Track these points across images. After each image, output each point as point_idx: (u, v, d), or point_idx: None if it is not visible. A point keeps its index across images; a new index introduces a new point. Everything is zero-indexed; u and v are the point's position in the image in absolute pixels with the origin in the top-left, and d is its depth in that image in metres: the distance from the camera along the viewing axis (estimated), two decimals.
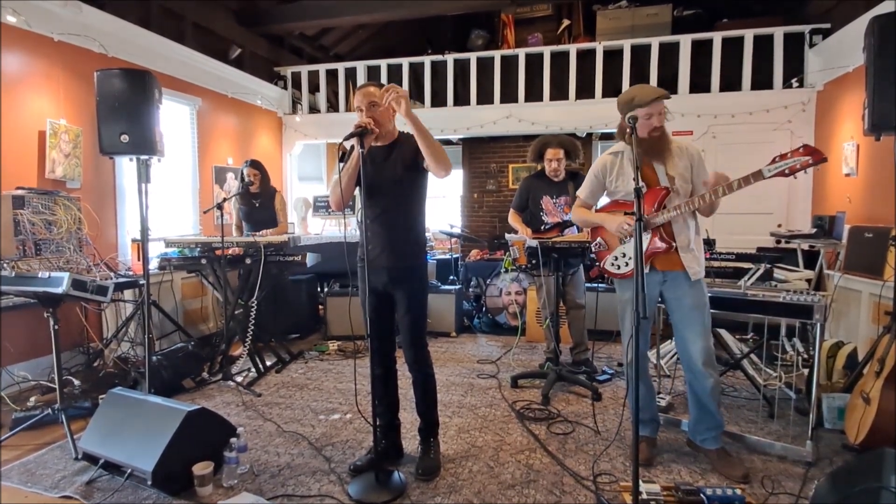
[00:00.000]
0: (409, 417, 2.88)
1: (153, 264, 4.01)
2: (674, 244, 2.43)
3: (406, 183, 2.41)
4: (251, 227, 4.53)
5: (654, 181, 2.49)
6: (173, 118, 5.32)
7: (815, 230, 4.45)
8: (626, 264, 2.56)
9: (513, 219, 4.07)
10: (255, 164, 4.54)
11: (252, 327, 3.91)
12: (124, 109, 3.09)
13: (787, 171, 2.20)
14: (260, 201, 4.56)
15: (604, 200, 2.77)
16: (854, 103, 4.53)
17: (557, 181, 3.92)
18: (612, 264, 2.62)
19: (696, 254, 2.47)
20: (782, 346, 3.87)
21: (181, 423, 2.35)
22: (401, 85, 6.65)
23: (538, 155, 3.95)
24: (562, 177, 3.92)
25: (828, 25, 5.28)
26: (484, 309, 5.48)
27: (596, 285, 5.00)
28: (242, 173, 4.52)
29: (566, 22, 7.47)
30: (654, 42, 5.91)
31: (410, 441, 2.74)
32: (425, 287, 2.57)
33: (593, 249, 2.75)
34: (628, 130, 2.43)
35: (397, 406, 2.68)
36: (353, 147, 2.38)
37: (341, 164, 2.42)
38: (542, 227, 3.91)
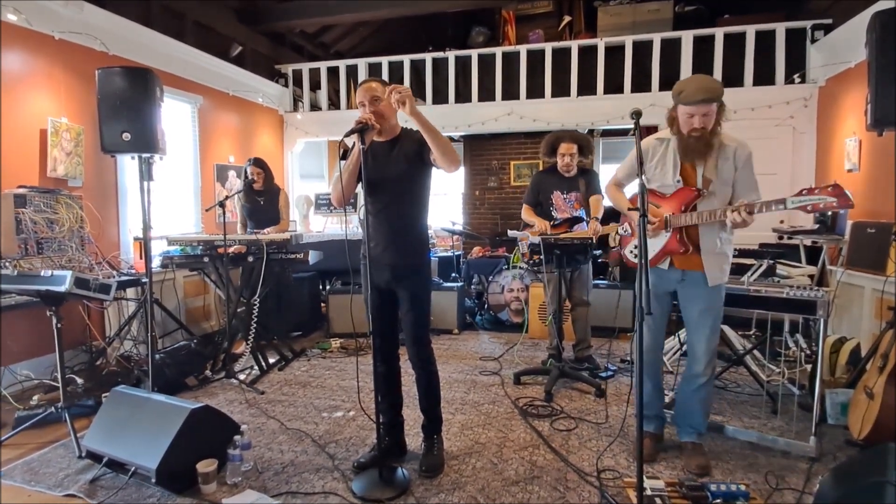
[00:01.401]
0: (412, 415, 2.88)
1: (155, 262, 4.01)
2: (690, 248, 2.39)
3: (409, 179, 2.40)
4: (255, 224, 4.53)
5: (692, 180, 2.41)
6: (174, 116, 5.32)
7: (817, 226, 4.44)
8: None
9: (527, 213, 3.97)
10: (258, 163, 4.54)
11: (254, 325, 3.92)
12: (126, 108, 3.09)
13: (808, 208, 2.12)
14: (264, 199, 4.56)
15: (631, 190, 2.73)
16: (856, 99, 4.52)
17: (568, 177, 3.88)
18: (631, 252, 2.64)
19: (721, 259, 2.39)
20: (785, 342, 3.87)
21: (185, 421, 2.36)
22: (402, 82, 6.68)
23: (551, 149, 3.91)
24: (573, 173, 3.89)
25: (829, 21, 5.27)
26: (486, 306, 5.48)
27: (605, 282, 5.02)
28: (246, 171, 4.52)
29: (567, 18, 7.45)
30: (656, 38, 5.89)
31: (414, 438, 2.73)
32: (428, 284, 2.56)
33: (619, 233, 2.74)
34: (669, 122, 2.41)
35: (401, 403, 2.68)
36: (354, 143, 2.37)
37: (342, 162, 2.42)
38: (552, 223, 3.89)
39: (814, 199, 2.10)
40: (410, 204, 2.44)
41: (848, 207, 2.08)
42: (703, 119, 2.30)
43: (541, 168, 4.14)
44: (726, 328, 3.84)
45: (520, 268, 5.26)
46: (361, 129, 2.24)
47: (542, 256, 3.45)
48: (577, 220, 3.83)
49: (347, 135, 2.27)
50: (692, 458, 2.49)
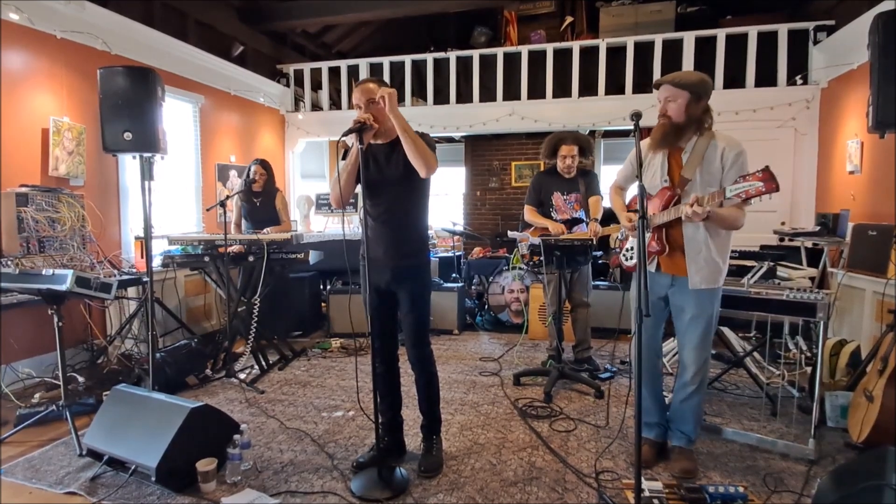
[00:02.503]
0: (411, 415, 2.88)
1: (156, 262, 4.01)
2: (666, 247, 2.38)
3: (408, 181, 2.39)
4: (252, 224, 4.53)
5: (677, 180, 2.40)
6: (176, 116, 5.33)
7: (818, 228, 4.44)
8: (631, 258, 2.57)
9: (531, 215, 3.95)
10: (263, 164, 4.52)
11: (255, 325, 3.92)
12: (127, 107, 3.09)
13: (743, 196, 2.10)
14: (261, 200, 4.56)
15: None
16: (858, 101, 4.51)
17: (569, 178, 3.88)
18: (624, 255, 2.64)
19: (706, 264, 2.32)
20: (785, 344, 3.87)
21: (185, 420, 2.37)
22: (403, 82, 6.69)
23: (552, 151, 3.91)
24: (573, 174, 3.89)
25: (832, 22, 5.26)
26: (486, 307, 5.48)
27: (606, 283, 5.01)
28: (250, 170, 4.51)
29: (569, 19, 7.46)
30: (658, 39, 5.89)
31: (413, 438, 2.74)
32: (428, 286, 2.56)
33: (618, 237, 2.75)
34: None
35: (400, 404, 2.69)
36: (353, 144, 2.37)
37: (342, 163, 2.42)
38: None
39: (745, 186, 2.09)
40: (410, 206, 2.44)
41: (773, 191, 2.05)
42: (665, 105, 2.31)
43: (542, 169, 4.12)
44: (726, 330, 3.84)
45: (519, 269, 5.26)
46: (359, 129, 2.24)
47: (541, 258, 3.44)
48: (577, 221, 3.83)
49: (345, 134, 2.26)
50: (677, 461, 2.48)
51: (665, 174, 2.41)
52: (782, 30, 5.51)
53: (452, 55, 6.60)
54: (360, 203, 2.54)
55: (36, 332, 3.75)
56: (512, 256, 5.64)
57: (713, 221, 2.25)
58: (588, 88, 6.18)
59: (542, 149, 4.02)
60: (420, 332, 2.50)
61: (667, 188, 2.39)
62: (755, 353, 3.73)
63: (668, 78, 2.31)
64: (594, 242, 3.53)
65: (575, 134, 3.99)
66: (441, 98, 6.71)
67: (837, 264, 4.29)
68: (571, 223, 3.82)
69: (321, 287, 5.72)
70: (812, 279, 3.74)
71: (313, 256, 4.15)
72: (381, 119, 2.33)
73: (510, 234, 4.05)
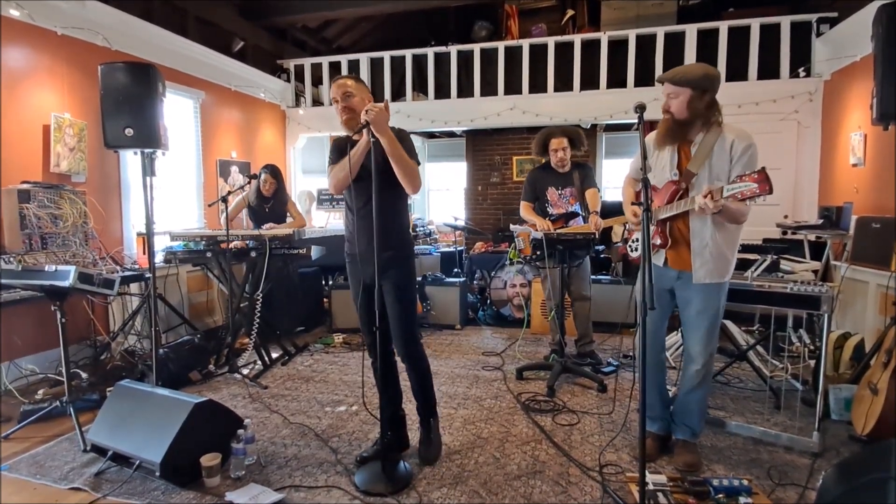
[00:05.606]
0: (413, 409, 2.88)
1: (158, 258, 4.01)
2: (668, 241, 2.37)
3: (388, 173, 2.33)
4: (256, 226, 4.52)
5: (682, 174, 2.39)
6: (177, 111, 5.32)
7: (821, 221, 4.42)
8: (637, 249, 2.57)
9: (526, 211, 3.95)
10: (274, 173, 4.49)
11: (257, 320, 3.93)
12: (128, 103, 3.08)
13: (739, 196, 2.06)
14: (271, 205, 4.54)
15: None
16: (862, 93, 4.49)
17: (563, 172, 3.88)
18: (630, 245, 2.65)
19: (711, 258, 2.30)
20: (789, 338, 3.86)
21: (189, 415, 2.37)
22: (404, 77, 6.67)
23: (542, 146, 3.91)
24: (567, 167, 3.88)
25: (835, 14, 5.23)
26: (488, 301, 5.48)
27: (608, 278, 5.01)
28: (260, 176, 4.48)
29: (570, 12, 7.43)
30: (660, 32, 5.86)
31: (416, 433, 2.73)
32: (412, 278, 2.52)
33: (629, 228, 2.75)
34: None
35: (400, 398, 2.68)
36: (362, 135, 2.36)
37: (334, 158, 2.42)
38: (548, 219, 3.89)
39: (741, 187, 2.05)
40: (391, 199, 2.40)
41: (767, 194, 2.01)
42: (668, 101, 2.27)
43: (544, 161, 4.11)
44: (729, 323, 3.83)
45: (517, 262, 5.26)
46: (367, 125, 2.25)
47: (540, 252, 3.44)
48: (573, 214, 3.83)
49: (357, 132, 2.29)
50: (681, 455, 2.48)
51: (675, 167, 2.38)
52: (785, 22, 5.48)
53: (453, 49, 6.57)
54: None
55: (39, 329, 3.75)
56: (509, 251, 5.64)
57: (723, 215, 2.22)
58: (590, 82, 6.15)
59: (532, 146, 4.01)
60: (407, 325, 2.46)
61: (673, 182, 2.37)
62: (758, 347, 3.72)
63: (669, 75, 2.27)
64: (597, 236, 3.52)
65: (563, 127, 3.97)
66: (442, 92, 6.68)
67: (841, 257, 4.28)
68: (567, 217, 3.82)
69: (323, 283, 5.72)
70: (815, 272, 3.73)
71: (315, 252, 4.15)
72: (354, 113, 2.35)
73: (512, 227, 4.05)
